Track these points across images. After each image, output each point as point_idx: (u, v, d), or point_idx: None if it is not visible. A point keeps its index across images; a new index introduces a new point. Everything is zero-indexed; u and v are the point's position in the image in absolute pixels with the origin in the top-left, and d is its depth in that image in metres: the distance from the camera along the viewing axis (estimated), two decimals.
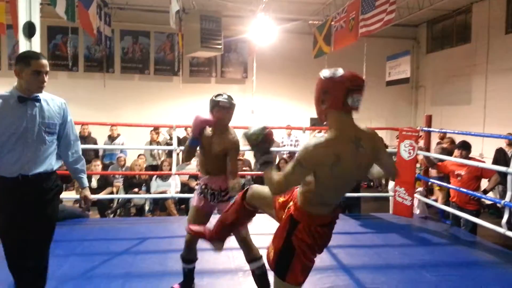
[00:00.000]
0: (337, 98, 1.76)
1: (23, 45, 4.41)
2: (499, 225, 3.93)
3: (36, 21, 4.45)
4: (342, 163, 1.70)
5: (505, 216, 3.92)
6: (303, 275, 1.88)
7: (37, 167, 2.22)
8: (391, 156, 2.65)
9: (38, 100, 2.26)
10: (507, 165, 3.91)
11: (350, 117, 1.80)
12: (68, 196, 5.76)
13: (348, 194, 5.35)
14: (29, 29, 4.38)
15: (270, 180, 1.80)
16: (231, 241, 3.67)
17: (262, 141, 1.88)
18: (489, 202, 6.41)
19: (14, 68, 2.22)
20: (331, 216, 1.89)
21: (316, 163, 1.71)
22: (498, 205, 4.51)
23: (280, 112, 10.81)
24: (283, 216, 1.98)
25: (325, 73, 1.84)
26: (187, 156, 2.85)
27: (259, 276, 2.62)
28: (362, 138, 1.78)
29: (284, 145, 9.01)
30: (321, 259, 3.59)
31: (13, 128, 2.15)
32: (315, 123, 10.61)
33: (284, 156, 8.14)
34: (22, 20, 4.38)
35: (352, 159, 1.73)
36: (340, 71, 1.82)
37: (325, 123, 1.84)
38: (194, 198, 2.84)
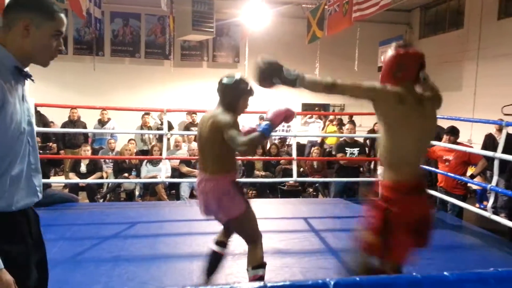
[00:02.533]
0: (412, 71, 1.96)
1: None
2: (485, 209, 4.00)
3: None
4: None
5: (491, 200, 3.99)
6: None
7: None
8: None
9: (27, 79, 1.45)
10: (495, 151, 3.95)
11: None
12: (57, 180, 5.73)
13: (346, 179, 5.47)
14: None
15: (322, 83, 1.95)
16: (221, 226, 3.70)
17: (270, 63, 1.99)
18: (476, 187, 6.49)
19: (21, 17, 1.30)
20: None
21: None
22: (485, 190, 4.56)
23: (272, 98, 10.75)
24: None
25: (398, 46, 2.01)
26: (254, 148, 2.57)
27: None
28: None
29: (276, 130, 8.99)
30: (310, 242, 3.65)
31: (20, 122, 1.35)
32: (307, 109, 10.61)
33: (275, 141, 8.14)
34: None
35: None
36: (409, 45, 2.01)
37: None
38: (240, 203, 2.40)
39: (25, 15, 1.30)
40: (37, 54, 1.36)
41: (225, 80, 2.44)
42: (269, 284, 0.56)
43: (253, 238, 2.49)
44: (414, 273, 0.64)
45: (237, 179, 2.51)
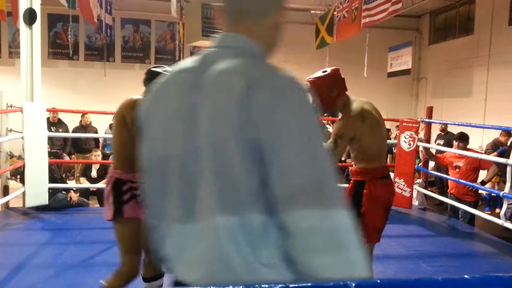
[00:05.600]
0: (343, 86, 2.33)
1: (24, 33, 4.40)
2: (497, 216, 3.95)
3: (37, 8, 4.44)
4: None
5: (504, 207, 3.93)
6: None
7: None
8: None
9: None
10: (503, 157, 3.91)
11: None
12: (69, 186, 5.78)
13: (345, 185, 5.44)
14: (30, 16, 4.36)
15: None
16: None
17: None
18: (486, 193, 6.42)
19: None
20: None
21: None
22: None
23: None
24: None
25: (321, 72, 2.35)
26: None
27: None
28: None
29: None
30: None
31: None
32: None
33: None
34: (22, 7, 4.36)
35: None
36: (325, 70, 2.37)
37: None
38: (128, 208, 2.18)
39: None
40: (274, 45, 1.05)
41: (157, 69, 2.48)
42: (291, 285, 0.56)
43: (121, 252, 2.19)
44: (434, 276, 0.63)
45: (132, 181, 2.11)
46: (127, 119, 2.16)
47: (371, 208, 2.26)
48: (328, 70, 2.33)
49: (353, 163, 2.49)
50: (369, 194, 2.28)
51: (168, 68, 2.29)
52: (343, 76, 2.36)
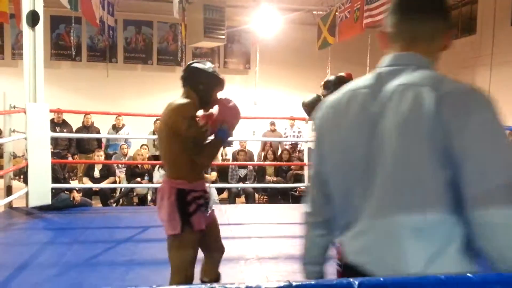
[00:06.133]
0: None
1: (27, 34, 4.42)
2: None
3: (40, 10, 4.45)
4: None
5: None
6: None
7: None
8: None
9: None
10: None
11: None
12: (72, 186, 5.80)
13: None
14: (33, 18, 4.38)
15: None
16: (233, 231, 3.70)
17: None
18: None
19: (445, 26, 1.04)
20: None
21: None
22: None
23: (283, 103, 10.78)
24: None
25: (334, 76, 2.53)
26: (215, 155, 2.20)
27: None
28: None
29: (287, 136, 9.01)
30: None
31: None
32: None
33: (287, 147, 8.13)
34: (25, 9, 4.38)
35: None
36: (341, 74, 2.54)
37: None
38: (196, 219, 2.02)
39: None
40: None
41: (198, 65, 2.12)
42: (294, 283, 0.56)
43: (175, 275, 2.06)
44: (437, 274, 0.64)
45: (194, 190, 2.03)
46: (183, 126, 1.96)
47: None
48: (344, 74, 2.42)
49: None
50: None
51: (209, 63, 2.15)
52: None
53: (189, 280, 2.05)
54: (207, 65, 2.12)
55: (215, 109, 2.14)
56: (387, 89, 0.97)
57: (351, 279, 0.58)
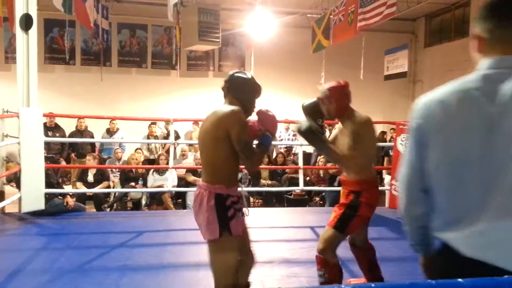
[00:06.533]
0: (350, 96, 2.59)
1: (20, 38, 4.39)
2: None
3: (33, 13, 4.43)
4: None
5: None
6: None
7: None
8: None
9: None
10: None
11: None
12: (65, 191, 5.76)
13: (335, 188, 5.43)
14: (26, 22, 4.36)
15: (339, 156, 2.52)
16: None
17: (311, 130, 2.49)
18: None
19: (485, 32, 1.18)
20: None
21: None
22: None
23: (278, 106, 10.76)
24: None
25: (335, 82, 2.58)
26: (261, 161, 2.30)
27: None
28: None
29: (282, 139, 9.01)
30: None
31: None
32: None
33: (281, 150, 8.13)
34: (19, 12, 4.36)
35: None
36: (339, 81, 2.61)
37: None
38: (234, 224, 2.04)
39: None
40: None
41: (241, 74, 2.22)
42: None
43: (220, 280, 2.05)
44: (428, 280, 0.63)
45: (231, 195, 2.07)
46: (238, 131, 2.00)
47: (366, 211, 2.54)
48: (342, 81, 2.59)
49: (345, 172, 2.64)
50: (367, 202, 2.52)
51: (248, 73, 2.28)
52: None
53: (236, 286, 2.06)
54: (248, 75, 2.24)
55: (252, 118, 2.26)
56: (505, 91, 1.03)
57: (342, 286, 0.57)
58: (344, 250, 3.65)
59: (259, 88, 2.26)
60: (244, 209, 2.17)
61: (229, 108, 2.07)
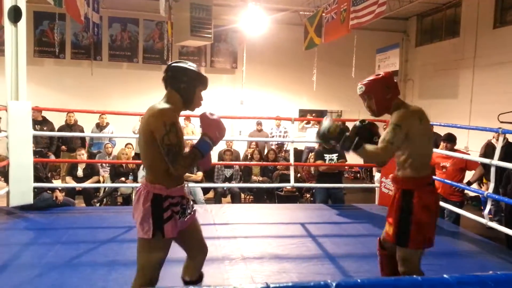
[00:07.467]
0: (397, 88, 2.36)
1: (9, 30, 4.32)
2: (482, 216, 4.02)
3: (22, 5, 4.37)
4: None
5: (487, 207, 4.00)
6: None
7: None
8: None
9: None
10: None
11: None
12: (54, 185, 5.70)
13: (332, 185, 5.48)
14: (15, 14, 4.29)
15: (374, 153, 2.21)
16: (218, 231, 3.70)
17: (341, 132, 2.20)
18: (473, 194, 6.52)
19: None
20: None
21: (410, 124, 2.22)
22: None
23: (269, 103, 10.80)
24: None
25: (374, 75, 2.39)
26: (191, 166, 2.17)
27: None
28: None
29: (273, 136, 9.02)
30: (307, 247, 3.65)
31: None
32: (304, 114, 10.63)
33: (273, 147, 8.14)
34: (7, 3, 4.29)
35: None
36: (378, 74, 2.41)
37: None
38: (169, 227, 1.99)
39: None
40: None
41: (181, 63, 2.08)
42: (271, 285, 0.56)
43: (140, 275, 2.06)
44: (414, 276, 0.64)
45: (172, 196, 2.01)
46: (161, 133, 1.92)
47: (422, 217, 2.23)
48: (382, 73, 2.40)
49: (397, 170, 2.36)
50: (420, 203, 2.23)
51: (190, 62, 2.10)
52: (395, 80, 2.42)
53: (153, 283, 2.05)
54: (188, 64, 2.08)
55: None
56: None
57: (329, 281, 0.58)
58: (332, 246, 3.68)
59: (204, 79, 2.07)
60: (188, 210, 2.10)
61: (158, 107, 1.97)
